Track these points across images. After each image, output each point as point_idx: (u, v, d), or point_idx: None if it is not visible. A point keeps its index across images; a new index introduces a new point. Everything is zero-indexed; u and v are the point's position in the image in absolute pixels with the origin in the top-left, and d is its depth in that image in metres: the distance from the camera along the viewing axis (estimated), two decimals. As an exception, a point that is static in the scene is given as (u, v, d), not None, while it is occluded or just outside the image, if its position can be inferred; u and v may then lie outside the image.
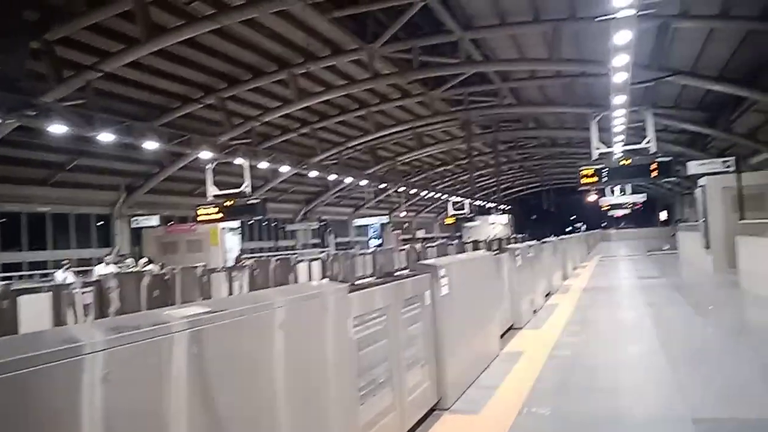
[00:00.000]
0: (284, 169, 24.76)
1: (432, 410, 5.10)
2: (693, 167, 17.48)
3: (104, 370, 1.74)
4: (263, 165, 22.56)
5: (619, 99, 13.91)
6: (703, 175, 17.28)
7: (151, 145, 17.41)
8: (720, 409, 4.94)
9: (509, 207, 59.27)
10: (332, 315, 3.16)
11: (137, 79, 17.23)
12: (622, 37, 9.71)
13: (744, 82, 16.46)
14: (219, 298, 12.09)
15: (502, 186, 54.40)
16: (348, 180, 30.22)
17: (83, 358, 1.69)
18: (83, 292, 11.23)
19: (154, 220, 23.75)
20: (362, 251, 26.17)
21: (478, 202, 47.40)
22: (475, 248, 26.21)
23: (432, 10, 16.32)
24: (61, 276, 15.17)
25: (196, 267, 14.70)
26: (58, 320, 10.25)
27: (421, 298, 5.19)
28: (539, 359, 7.01)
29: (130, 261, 18.75)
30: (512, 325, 9.30)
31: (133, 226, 23.82)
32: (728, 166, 16.48)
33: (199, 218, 20.73)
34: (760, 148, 21.43)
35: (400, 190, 36.87)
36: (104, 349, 1.75)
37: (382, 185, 34.07)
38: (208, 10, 14.45)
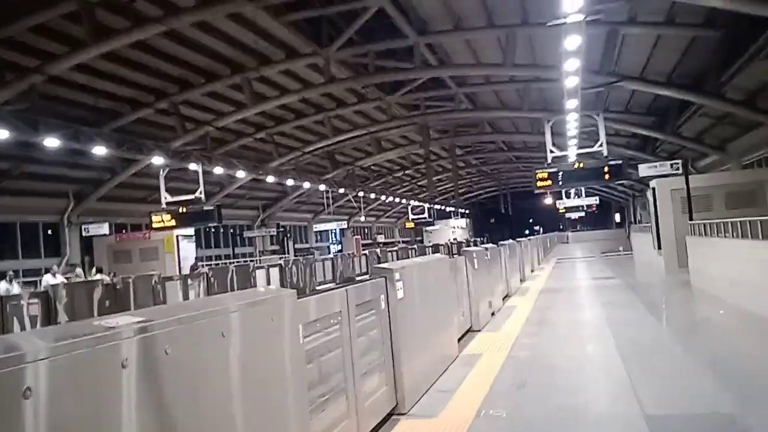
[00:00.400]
0: (240, 174, 24.39)
1: (389, 416, 5.04)
2: (643, 170, 17.94)
3: (24, 386, 1.61)
4: (218, 170, 22.18)
5: (571, 103, 14.18)
6: (653, 177, 17.77)
7: (100, 150, 16.89)
8: (672, 406, 5.03)
9: (468, 211, 59.96)
10: (280, 322, 3.05)
11: (85, 82, 16.69)
12: (572, 42, 9.88)
13: (690, 87, 16.96)
14: (160, 306, 11.78)
15: (461, 190, 54.92)
16: (306, 185, 29.99)
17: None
18: (30, 304, 10.81)
19: (105, 228, 23.05)
20: (322, 257, 26.02)
21: (437, 206, 47.75)
22: (436, 252, 26.35)
23: (387, 14, 16.33)
24: (4, 287, 14.56)
25: (151, 275, 14.32)
26: (4, 333, 9.80)
27: (377, 302, 5.13)
28: (497, 361, 7.03)
29: (79, 271, 18.15)
30: (470, 327, 9.34)
31: (84, 234, 23.08)
32: (676, 169, 16.97)
33: (153, 225, 20.22)
34: (707, 151, 22.13)
35: (359, 194, 36.78)
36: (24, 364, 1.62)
37: (341, 190, 33.93)
38: (157, 12, 14.11)
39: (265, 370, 2.85)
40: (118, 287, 13.23)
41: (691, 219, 14.82)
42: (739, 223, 10.12)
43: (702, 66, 15.95)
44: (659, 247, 17.07)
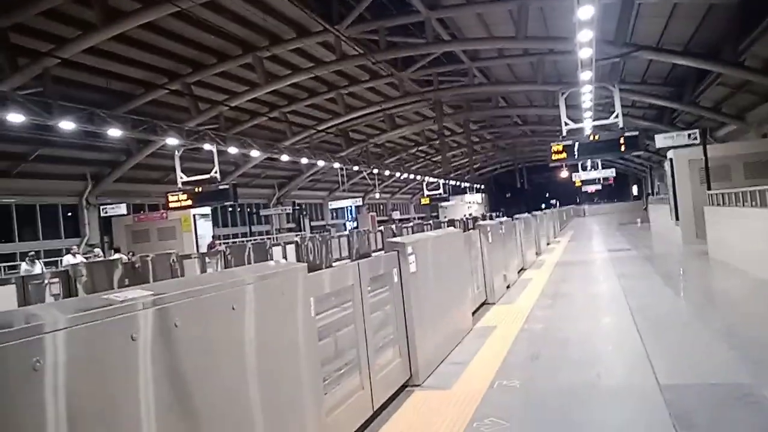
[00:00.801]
0: (255, 153, 24.45)
1: (403, 387, 5.09)
2: (660, 141, 17.67)
3: (33, 358, 1.65)
4: (233, 150, 22.25)
5: (585, 75, 13.95)
6: (670, 148, 17.52)
7: (115, 132, 17.01)
8: (687, 376, 5.02)
9: (483, 186, 59.69)
10: (291, 295, 3.08)
11: (97, 65, 16.75)
12: (585, 12, 9.69)
13: (708, 56, 16.63)
14: (170, 280, 11.93)
15: (476, 165, 54.62)
16: (321, 163, 30.00)
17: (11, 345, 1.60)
18: (51, 283, 11.04)
19: (122, 209, 23.35)
20: (338, 234, 26.13)
21: (452, 182, 47.55)
22: (451, 227, 26.32)
23: (398, -12, 16.19)
24: (24, 268, 14.86)
25: (169, 254, 14.50)
26: (25, 313, 10.03)
27: (389, 276, 5.15)
28: (511, 333, 7.06)
29: (98, 251, 18.41)
30: (485, 300, 9.37)
31: (103, 215, 23.39)
32: (694, 139, 16.70)
33: (169, 205, 20.42)
34: (725, 121, 21.75)
35: (373, 172, 36.74)
36: (32, 336, 1.66)
37: (355, 168, 33.93)
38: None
39: (276, 343, 2.88)
40: (137, 266, 13.45)
41: (709, 189, 14.62)
42: (757, 193, 9.97)
43: (719, 34, 15.61)
44: (677, 219, 16.90)
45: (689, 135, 16.76)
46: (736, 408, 4.17)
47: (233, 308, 2.58)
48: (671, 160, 17.03)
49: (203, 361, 2.35)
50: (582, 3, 9.40)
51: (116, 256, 15.47)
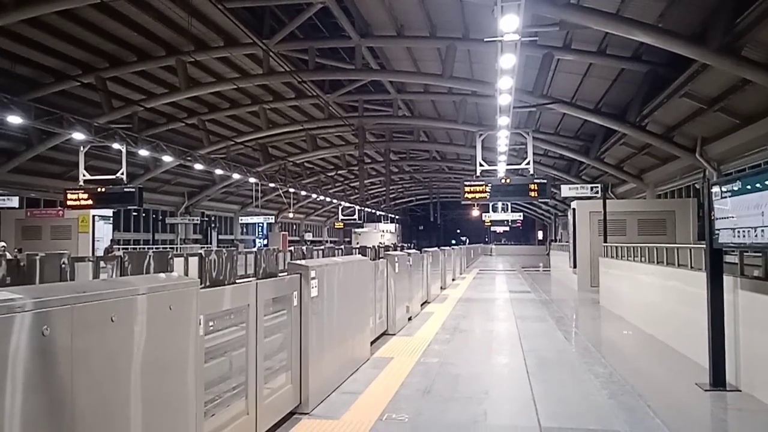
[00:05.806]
0: (167, 158, 23.54)
1: (291, 414, 4.99)
2: (565, 191, 18.61)
3: None
4: (144, 152, 21.34)
5: (503, 120, 14.47)
6: (574, 199, 18.47)
7: (15, 119, 15.89)
8: (567, 419, 5.22)
9: (398, 216, 60.45)
10: (179, 311, 2.94)
11: (3, 46, 15.71)
12: (507, 60, 10.07)
13: (616, 116, 17.71)
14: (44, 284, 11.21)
15: (392, 195, 55.31)
16: (236, 176, 29.31)
17: None
18: None
19: (14, 202, 21.75)
20: (246, 250, 25.52)
21: (368, 209, 47.82)
22: (363, 254, 26.36)
23: (331, 13, 16.27)
24: None
25: (60, 254, 13.62)
26: None
27: (289, 299, 5.06)
28: (406, 366, 7.11)
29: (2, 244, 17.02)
30: (386, 330, 9.41)
31: (-9, 206, 21.71)
32: (596, 193, 17.70)
33: (67, 203, 19.21)
34: (625, 179, 23.19)
35: (289, 190, 36.34)
36: None
37: (271, 184, 33.40)
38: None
39: (157, 361, 2.73)
40: (22, 264, 12.52)
41: (605, 241, 15.48)
42: (647, 249, 10.65)
43: (627, 97, 16.70)
44: (575, 266, 17.74)
45: (592, 188, 17.75)
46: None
47: (112, 320, 2.42)
48: (574, 210, 17.94)
49: (72, 372, 2.18)
50: (504, 51, 9.79)
51: (-1, 251, 14.34)
